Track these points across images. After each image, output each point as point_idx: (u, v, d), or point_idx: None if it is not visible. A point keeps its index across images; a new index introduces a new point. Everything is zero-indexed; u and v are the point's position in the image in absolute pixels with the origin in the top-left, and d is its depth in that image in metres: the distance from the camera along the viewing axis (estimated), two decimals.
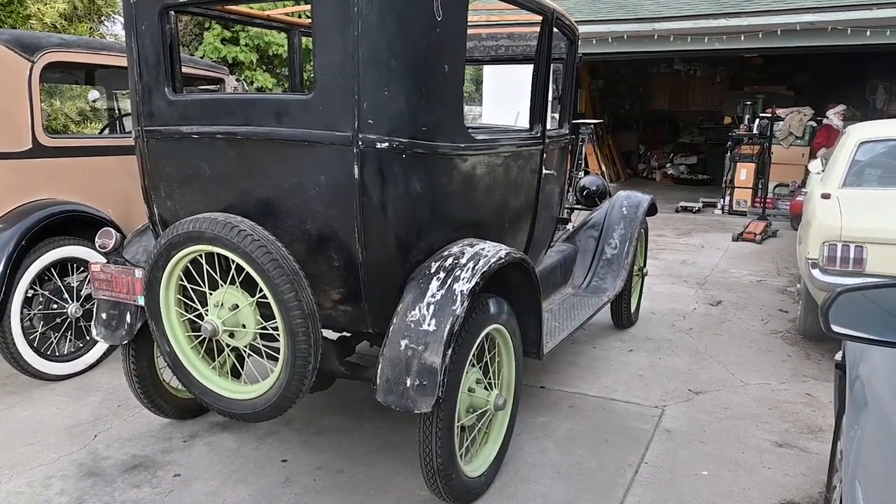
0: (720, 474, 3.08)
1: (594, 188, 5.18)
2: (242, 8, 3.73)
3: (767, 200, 9.84)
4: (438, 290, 2.50)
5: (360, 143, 2.41)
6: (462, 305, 2.45)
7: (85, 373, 4.18)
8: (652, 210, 5.01)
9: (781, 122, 10.47)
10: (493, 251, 2.67)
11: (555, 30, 3.50)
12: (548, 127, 3.50)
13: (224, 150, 2.70)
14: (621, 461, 3.18)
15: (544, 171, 3.48)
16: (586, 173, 12.28)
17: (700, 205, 11.22)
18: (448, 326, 2.42)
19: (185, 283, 2.75)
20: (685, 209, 11.05)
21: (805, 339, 4.87)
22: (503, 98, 10.50)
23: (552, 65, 3.63)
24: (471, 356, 2.64)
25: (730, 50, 10.04)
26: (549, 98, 3.41)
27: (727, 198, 10.93)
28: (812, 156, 10.48)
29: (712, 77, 15.47)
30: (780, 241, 8.67)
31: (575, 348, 4.60)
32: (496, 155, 2.93)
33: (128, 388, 3.41)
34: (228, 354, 2.82)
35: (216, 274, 2.66)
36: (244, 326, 2.67)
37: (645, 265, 5.27)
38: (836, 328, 1.53)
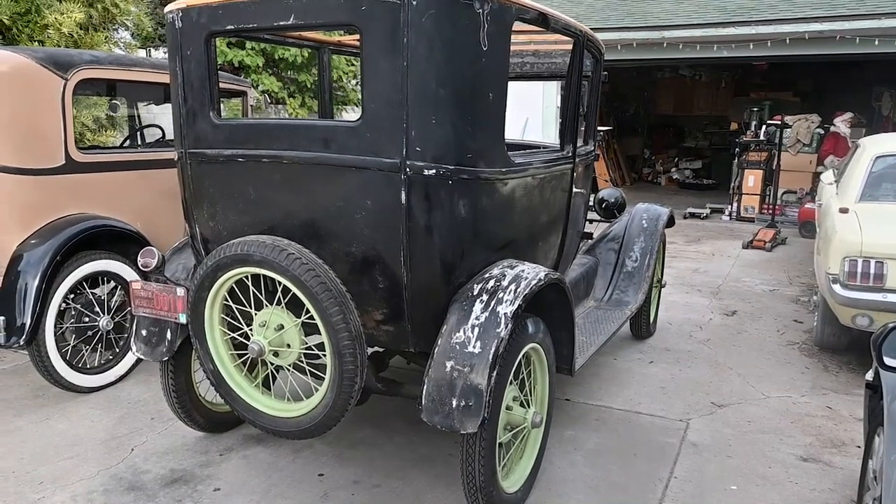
0: (749, 489, 3.14)
1: (613, 200, 5.23)
2: None
3: (776, 207, 9.90)
4: (482, 313, 2.56)
5: (408, 169, 2.48)
6: (506, 328, 2.52)
7: (115, 384, 4.24)
8: (670, 222, 5.08)
9: (789, 129, 10.54)
10: (532, 273, 2.73)
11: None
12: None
13: (269, 174, 2.76)
14: (651, 476, 3.24)
15: (574, 190, 3.54)
16: (594, 180, 12.39)
17: (708, 211, 11.30)
18: (493, 349, 2.49)
19: (230, 303, 2.81)
20: (693, 215, 11.12)
21: (822, 350, 4.94)
22: (510, 106, 10.58)
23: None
24: (510, 375, 2.70)
25: (738, 58, 10.11)
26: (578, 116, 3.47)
27: (735, 204, 11.00)
28: (819, 163, 10.57)
29: (717, 82, 15.55)
30: (790, 249, 8.74)
31: (597, 360, 4.67)
32: (533, 177, 3.00)
33: (159, 401, 3.48)
34: (272, 372, 2.88)
35: (261, 294, 2.73)
36: (289, 346, 2.73)
37: (662, 276, 5.34)
38: (890, 362, 1.59)
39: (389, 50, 2.41)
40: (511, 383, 2.76)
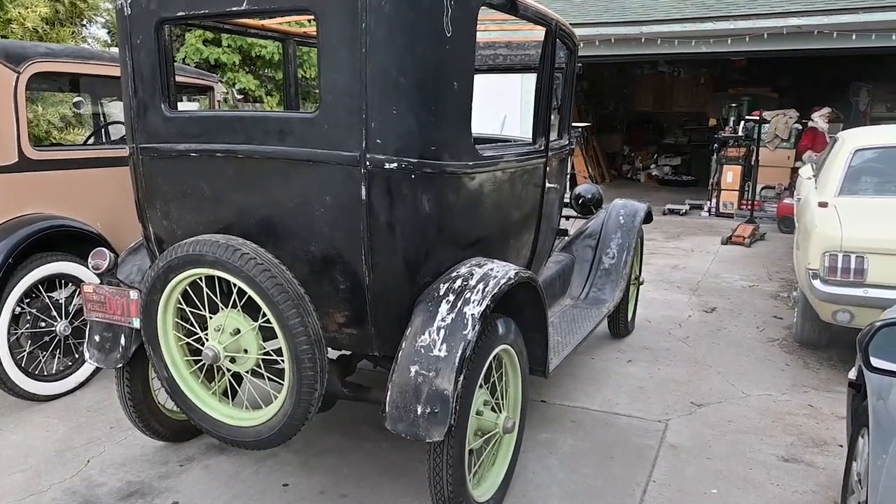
0: (730, 492, 3.04)
1: (589, 196, 5.12)
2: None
3: (755, 203, 9.86)
4: (448, 314, 2.43)
5: (367, 163, 2.34)
6: (473, 330, 2.39)
7: (74, 392, 4.07)
8: (648, 218, 4.98)
9: (767, 125, 10.51)
10: (502, 272, 2.60)
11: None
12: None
13: (224, 169, 2.62)
14: (629, 480, 3.13)
15: (547, 185, 3.42)
16: (572, 176, 12.32)
17: (687, 207, 11.25)
18: (460, 352, 2.36)
19: (184, 307, 2.66)
20: (672, 211, 11.07)
21: (802, 347, 4.86)
22: (487, 103, 10.47)
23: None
24: (480, 379, 2.58)
25: (716, 53, 10.06)
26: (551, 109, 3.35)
27: (714, 200, 10.96)
28: (797, 158, 10.56)
29: (696, 78, 15.55)
30: (769, 245, 8.70)
31: (573, 360, 4.55)
32: (503, 171, 2.87)
33: (119, 409, 3.31)
34: (229, 380, 2.73)
35: (216, 297, 2.58)
36: (246, 351, 2.59)
37: (640, 273, 5.24)
38: (877, 363, 1.49)
39: (347, 36, 2.28)
40: (481, 387, 2.63)
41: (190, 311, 2.66)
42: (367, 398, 3.02)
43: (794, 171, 10.56)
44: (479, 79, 2.57)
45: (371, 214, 2.39)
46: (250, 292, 2.43)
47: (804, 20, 9.08)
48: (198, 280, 2.59)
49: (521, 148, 3.12)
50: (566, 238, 4.77)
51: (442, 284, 2.54)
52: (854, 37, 8.99)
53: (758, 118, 9.84)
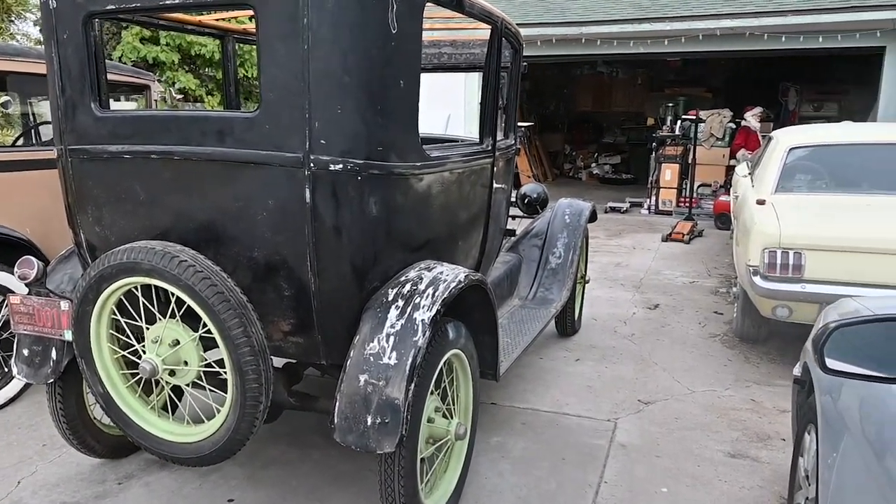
0: (679, 490, 3.06)
1: (535, 196, 5.11)
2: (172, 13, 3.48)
3: (692, 200, 10.09)
4: (398, 320, 2.36)
5: (311, 164, 2.25)
6: (424, 336, 2.33)
7: (3, 408, 3.83)
8: (592, 217, 5.01)
9: (703, 124, 10.77)
10: (451, 275, 2.55)
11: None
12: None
13: (159, 172, 2.49)
14: (581, 482, 3.12)
15: (495, 185, 3.39)
16: (517, 175, 12.34)
17: (627, 205, 11.44)
18: (410, 359, 2.29)
19: (119, 318, 2.52)
20: (614, 209, 11.24)
21: (742, 342, 4.97)
22: (432, 101, 10.42)
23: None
24: (431, 385, 2.52)
25: (653, 54, 10.26)
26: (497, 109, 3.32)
27: (653, 198, 11.17)
28: (732, 156, 10.85)
29: (634, 79, 15.85)
30: (707, 241, 8.90)
31: (522, 360, 4.54)
32: (450, 172, 2.82)
33: (52, 425, 3.13)
34: (169, 394, 2.60)
35: (153, 307, 2.45)
36: (186, 363, 2.46)
37: (586, 272, 5.27)
38: (832, 365, 1.49)
39: (288, 32, 2.19)
40: (432, 394, 2.57)
41: (126, 323, 2.53)
42: (314, 408, 2.92)
43: (729, 169, 10.86)
44: (424, 77, 2.51)
45: (316, 218, 2.30)
46: (189, 302, 2.31)
47: (736, 22, 9.33)
48: (133, 289, 2.46)
49: (468, 148, 3.07)
50: (513, 238, 4.76)
51: (391, 289, 2.47)
52: (783, 39, 9.30)
53: (694, 117, 10.07)
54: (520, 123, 9.65)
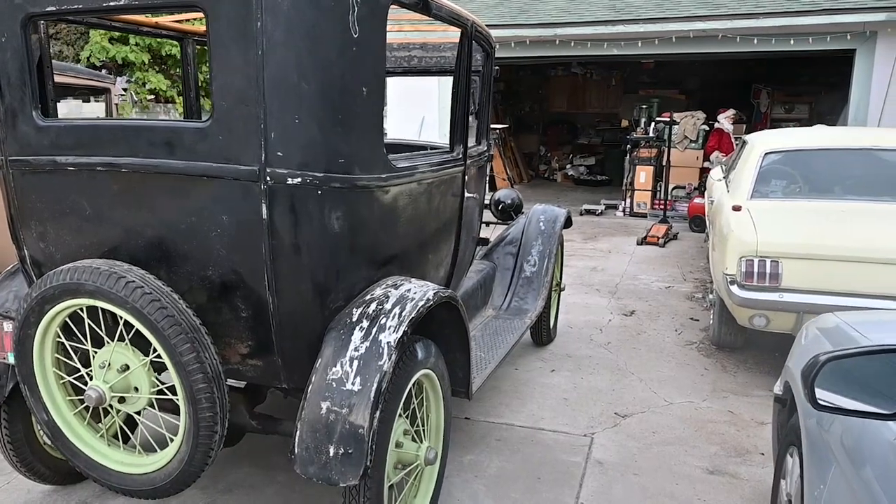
0: None
1: (509, 202, 5.03)
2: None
3: (667, 203, 10.06)
4: (362, 343, 2.23)
5: (267, 178, 2.11)
6: (390, 359, 2.19)
7: None
8: (567, 223, 4.91)
9: (676, 126, 10.74)
10: (419, 292, 2.42)
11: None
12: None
13: (107, 185, 2.33)
14: (557, 502, 3.01)
15: (467, 194, 3.26)
16: (492, 179, 12.24)
17: (602, 207, 11.39)
18: (375, 385, 2.16)
19: (65, 341, 2.35)
20: (589, 212, 11.18)
21: (719, 350, 4.90)
22: (406, 104, 10.28)
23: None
24: (398, 409, 2.38)
25: (627, 55, 10.22)
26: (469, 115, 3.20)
27: (628, 200, 11.14)
28: (706, 158, 10.85)
29: (608, 80, 15.83)
30: (682, 244, 8.86)
31: (497, 371, 4.40)
32: (419, 183, 2.68)
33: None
34: (119, 422, 2.44)
35: (101, 330, 2.29)
36: (137, 390, 2.30)
37: (561, 279, 5.17)
38: (823, 399, 1.38)
39: (241, 36, 2.04)
40: (400, 416, 2.44)
41: (72, 346, 2.36)
42: (278, 431, 2.77)
43: (703, 171, 10.86)
44: (397, 80, 2.38)
45: (273, 235, 2.16)
46: (138, 325, 2.16)
47: (709, 24, 9.31)
48: (79, 311, 2.29)
49: (438, 157, 2.94)
50: (487, 246, 4.64)
51: (355, 309, 2.33)
52: (755, 41, 9.30)
53: (668, 119, 10.04)
54: (494, 125, 9.58)
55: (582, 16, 10.09)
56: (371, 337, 2.24)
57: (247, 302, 2.27)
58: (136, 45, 11.62)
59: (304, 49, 2.06)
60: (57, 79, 2.91)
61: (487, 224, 5.18)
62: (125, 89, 10.65)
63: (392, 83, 11.89)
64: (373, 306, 2.33)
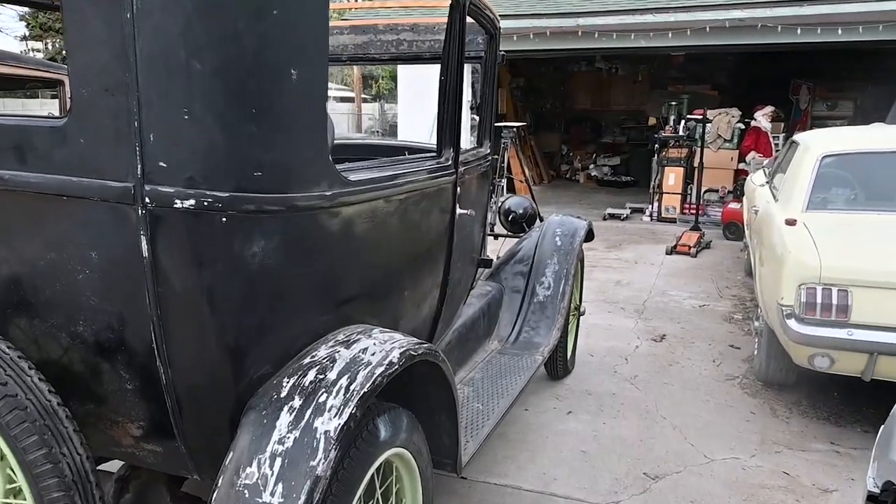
0: None
1: (521, 211, 4.35)
2: None
3: (699, 207, 9.28)
4: (290, 431, 1.56)
5: (146, 199, 1.45)
6: (327, 459, 1.53)
7: None
8: (589, 236, 4.22)
9: (709, 124, 9.96)
10: (378, 352, 1.75)
11: (470, 20, 2.64)
12: (463, 147, 2.62)
13: None
14: None
15: (459, 211, 2.58)
16: (510, 181, 11.55)
17: (628, 211, 10.63)
18: (304, 497, 1.49)
19: None
20: (613, 216, 10.42)
21: (766, 387, 4.17)
22: (423, 93, 9.62)
23: (468, 65, 2.78)
24: None
25: (657, 48, 9.45)
26: (465, 109, 2.52)
27: (655, 204, 10.36)
28: (741, 159, 10.06)
29: (634, 75, 15.04)
30: (715, 254, 8.10)
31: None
32: (386, 200, 2.01)
33: None
34: None
35: None
36: None
37: (581, 302, 4.48)
38: None
39: None
40: None
41: None
42: None
43: (738, 173, 10.08)
44: (411, 73, 1.71)
45: (159, 280, 1.50)
46: None
47: (748, 13, 8.53)
48: None
49: (416, 164, 2.27)
50: (490, 267, 3.93)
51: (286, 379, 1.67)
52: (799, 31, 8.48)
53: (700, 117, 9.27)
54: (510, 124, 8.87)
55: (606, 4, 9.35)
56: (304, 423, 1.57)
57: (131, 370, 1.63)
58: None
59: (194, 9, 1.40)
60: None
61: (496, 237, 4.51)
62: None
63: (403, 70, 11.05)
64: (311, 375, 1.66)
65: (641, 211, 10.66)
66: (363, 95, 22.49)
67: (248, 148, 1.49)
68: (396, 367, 1.75)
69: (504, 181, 9.95)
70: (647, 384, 4.24)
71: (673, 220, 9.96)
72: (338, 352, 1.74)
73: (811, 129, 10.70)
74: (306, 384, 1.64)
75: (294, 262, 1.67)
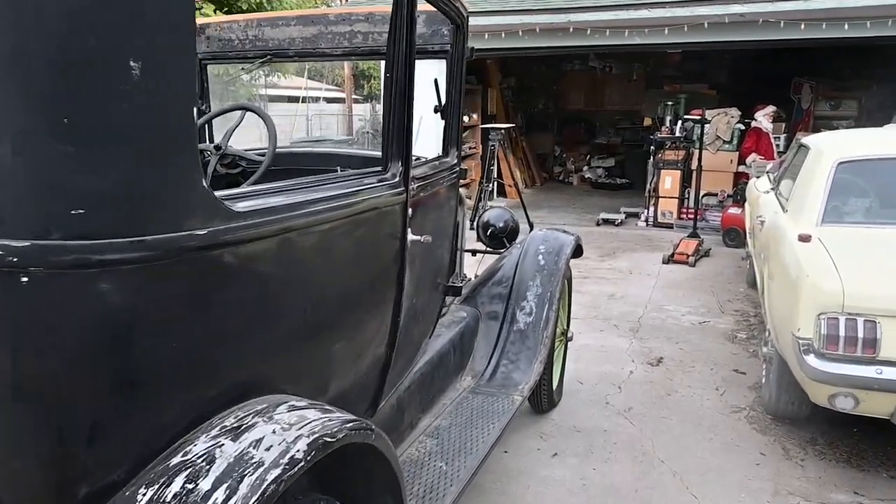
0: None
1: (501, 225, 3.88)
2: None
3: (697, 213, 8.82)
4: None
5: None
6: None
7: None
8: (577, 252, 3.77)
9: (708, 125, 9.51)
10: (277, 444, 1.29)
11: (429, 7, 2.19)
12: (424, 157, 2.17)
13: None
14: None
15: (411, 238, 2.12)
16: (499, 185, 11.07)
17: (622, 216, 10.16)
18: None
19: None
20: (607, 221, 9.96)
21: (776, 421, 3.72)
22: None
23: (428, 59, 2.33)
24: None
25: (653, 45, 8.99)
26: (414, 115, 2.06)
27: (651, 208, 9.91)
28: (741, 161, 9.61)
29: (629, 74, 14.56)
30: (715, 262, 7.65)
31: None
32: (301, 231, 1.55)
33: None
34: None
35: None
36: None
37: (569, 327, 4.02)
38: None
39: None
40: None
41: None
42: None
43: (738, 176, 9.63)
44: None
45: None
46: None
47: (748, 7, 8.06)
48: None
49: (351, 182, 1.80)
50: (460, 295, 3.44)
51: (142, 490, 1.20)
52: (803, 26, 8.02)
53: (698, 117, 8.82)
54: (499, 126, 8.42)
55: None
56: None
57: None
58: None
59: None
60: None
61: (474, 253, 4.05)
62: None
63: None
64: (177, 483, 1.20)
65: (636, 215, 10.19)
66: (354, 96, 22.02)
67: (60, 174, 1.03)
68: (301, 464, 1.29)
69: (492, 185, 9.53)
70: (642, 418, 3.78)
71: (670, 226, 9.50)
72: (220, 445, 1.28)
73: (813, 129, 10.28)
74: (168, 499, 1.18)
75: (152, 327, 1.20)
